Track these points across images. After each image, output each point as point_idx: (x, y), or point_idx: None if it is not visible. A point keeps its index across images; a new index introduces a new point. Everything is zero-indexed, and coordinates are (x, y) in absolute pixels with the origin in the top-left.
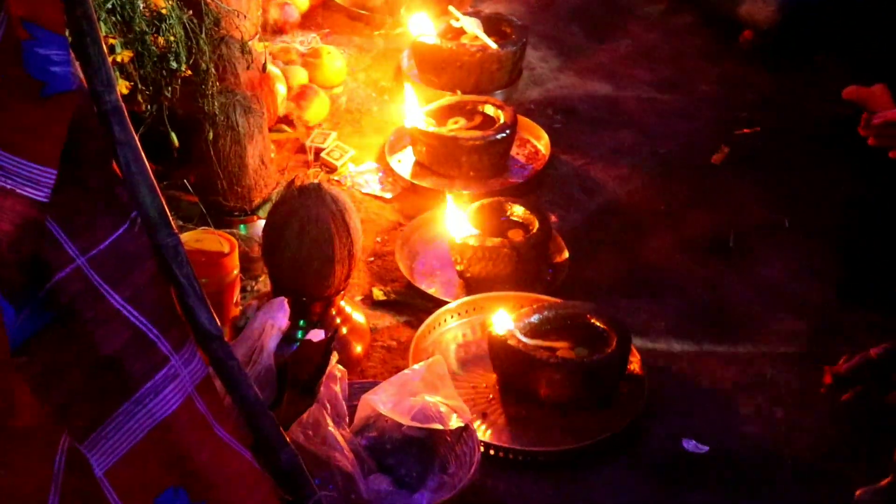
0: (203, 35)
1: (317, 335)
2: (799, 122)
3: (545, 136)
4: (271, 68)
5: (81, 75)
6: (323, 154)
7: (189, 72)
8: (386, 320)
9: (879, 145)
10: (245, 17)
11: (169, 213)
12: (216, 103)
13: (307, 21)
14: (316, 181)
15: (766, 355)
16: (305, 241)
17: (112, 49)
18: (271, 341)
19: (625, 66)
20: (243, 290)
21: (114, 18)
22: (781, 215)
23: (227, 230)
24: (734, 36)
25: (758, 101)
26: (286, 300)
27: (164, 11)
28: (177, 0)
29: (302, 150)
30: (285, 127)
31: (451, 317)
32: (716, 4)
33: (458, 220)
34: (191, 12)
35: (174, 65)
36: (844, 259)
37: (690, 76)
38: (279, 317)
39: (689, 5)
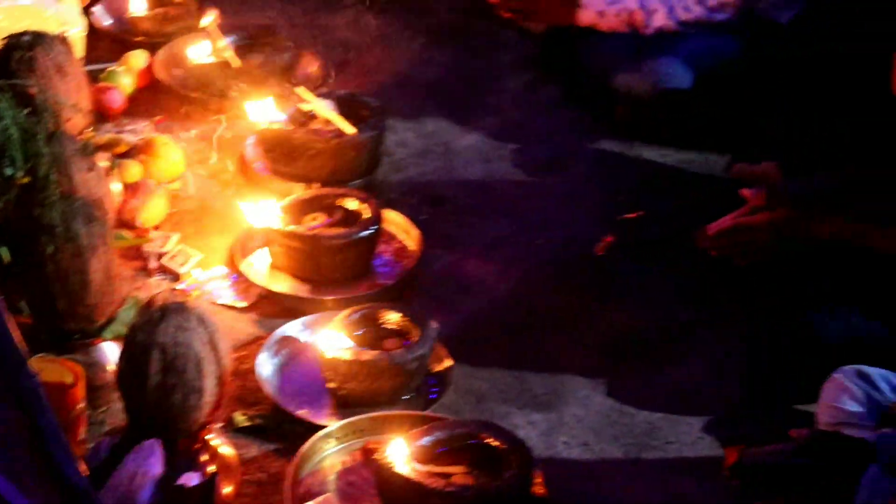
0: (41, 135)
1: (190, 479)
2: (684, 205)
3: (413, 230)
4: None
5: None
6: (164, 260)
7: (27, 178)
8: (252, 450)
9: (720, 255)
10: (79, 109)
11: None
12: (57, 213)
13: (135, 107)
14: (180, 300)
15: (676, 467)
16: (172, 371)
17: None
18: (143, 492)
19: (494, 146)
20: (89, 422)
21: None
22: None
23: (69, 356)
24: (606, 110)
25: (640, 181)
26: (158, 443)
27: None
28: (9, 98)
29: (140, 256)
30: (123, 233)
31: (329, 443)
32: (584, 77)
33: (325, 331)
34: (28, 109)
35: (9, 171)
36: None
37: (566, 156)
38: (151, 462)
39: (554, 78)
